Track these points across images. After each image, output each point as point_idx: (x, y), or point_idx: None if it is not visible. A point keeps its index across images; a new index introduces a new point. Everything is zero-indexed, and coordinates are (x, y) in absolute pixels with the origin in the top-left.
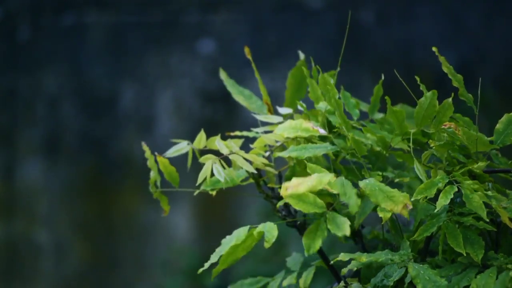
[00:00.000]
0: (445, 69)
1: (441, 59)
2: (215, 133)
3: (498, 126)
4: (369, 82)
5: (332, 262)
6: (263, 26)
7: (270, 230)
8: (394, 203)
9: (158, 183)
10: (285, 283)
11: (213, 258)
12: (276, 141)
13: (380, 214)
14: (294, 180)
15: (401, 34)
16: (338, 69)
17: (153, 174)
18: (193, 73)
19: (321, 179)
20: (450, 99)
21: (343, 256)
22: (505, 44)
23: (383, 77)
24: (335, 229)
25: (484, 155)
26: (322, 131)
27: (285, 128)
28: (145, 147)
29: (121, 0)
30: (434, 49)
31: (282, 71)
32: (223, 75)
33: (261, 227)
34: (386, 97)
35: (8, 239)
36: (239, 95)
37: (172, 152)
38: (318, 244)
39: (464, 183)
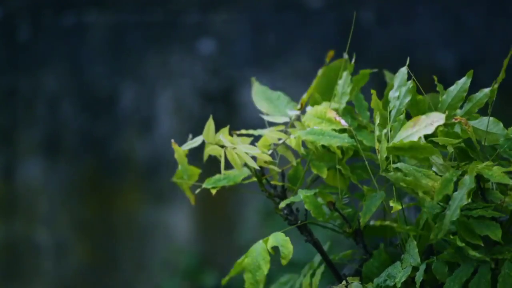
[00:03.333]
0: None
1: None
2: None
3: (508, 131)
4: (369, 82)
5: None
6: (263, 26)
7: (285, 245)
8: (432, 181)
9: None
10: (303, 283)
11: None
12: (280, 139)
13: (391, 204)
14: None
15: (401, 34)
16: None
17: (180, 167)
18: (193, 73)
19: None
20: (488, 89)
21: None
22: (505, 44)
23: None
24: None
25: (494, 149)
26: (344, 123)
27: (311, 116)
28: (174, 144)
29: (121, 0)
30: None
31: (282, 71)
32: (255, 83)
33: (273, 240)
34: (412, 83)
35: (8, 239)
36: (263, 102)
37: (186, 145)
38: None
39: (475, 169)
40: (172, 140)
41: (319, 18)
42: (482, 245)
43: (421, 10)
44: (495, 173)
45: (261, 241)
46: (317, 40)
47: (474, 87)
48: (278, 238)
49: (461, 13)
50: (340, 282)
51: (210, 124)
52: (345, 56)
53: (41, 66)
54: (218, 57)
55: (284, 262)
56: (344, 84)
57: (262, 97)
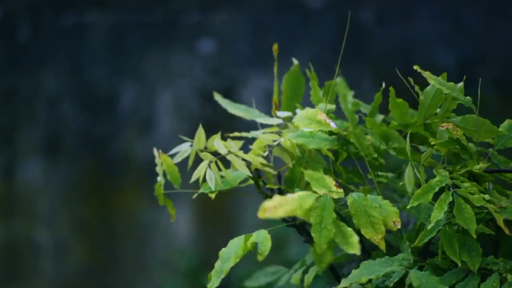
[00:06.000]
0: (431, 81)
1: (426, 74)
2: (215, 133)
3: (499, 129)
4: (369, 82)
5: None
6: (263, 26)
7: (264, 242)
8: (374, 231)
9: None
10: (293, 278)
11: (218, 277)
12: (274, 141)
13: None
14: (273, 201)
15: (401, 34)
16: (343, 77)
17: (160, 179)
18: (193, 73)
19: (302, 202)
20: (461, 84)
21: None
22: (505, 44)
23: (383, 85)
24: (343, 243)
25: (484, 156)
26: (333, 125)
27: (301, 118)
28: (156, 152)
29: (121, 0)
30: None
31: (282, 71)
32: (217, 97)
33: (255, 237)
34: (390, 88)
35: (8, 239)
36: (235, 109)
37: (177, 157)
38: (328, 256)
39: (462, 185)
40: (160, 150)
41: (319, 18)
42: (459, 264)
43: (421, 10)
44: (474, 196)
45: (242, 236)
46: (317, 40)
47: (474, 87)
48: (260, 235)
49: (461, 13)
50: (339, 282)
51: (200, 132)
52: (294, 61)
53: (41, 66)
54: (218, 57)
55: (260, 258)
56: (314, 92)
57: (231, 107)
